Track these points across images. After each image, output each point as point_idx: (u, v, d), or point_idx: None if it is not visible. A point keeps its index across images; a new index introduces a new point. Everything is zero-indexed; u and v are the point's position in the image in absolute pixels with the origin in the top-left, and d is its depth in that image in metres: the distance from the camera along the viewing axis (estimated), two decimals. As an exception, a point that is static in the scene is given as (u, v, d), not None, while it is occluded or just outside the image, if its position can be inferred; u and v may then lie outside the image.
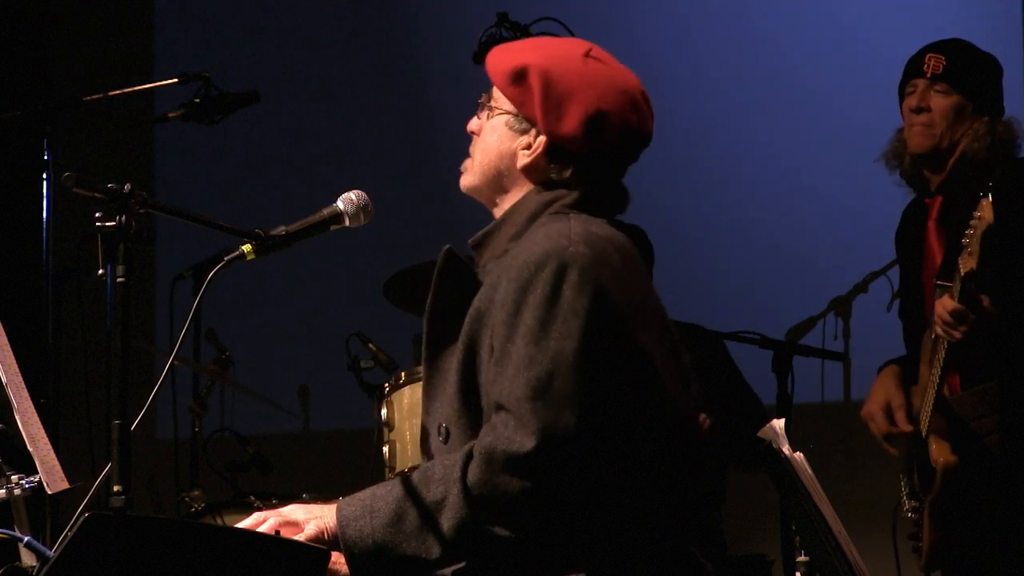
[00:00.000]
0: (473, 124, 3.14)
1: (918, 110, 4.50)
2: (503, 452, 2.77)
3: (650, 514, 2.88)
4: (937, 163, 4.51)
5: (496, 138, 3.06)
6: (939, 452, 4.35)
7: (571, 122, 2.99)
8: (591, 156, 3.01)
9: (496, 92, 3.09)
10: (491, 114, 3.09)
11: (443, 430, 2.95)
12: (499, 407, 2.82)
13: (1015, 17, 6.08)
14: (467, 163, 3.13)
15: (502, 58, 3.08)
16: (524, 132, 3.04)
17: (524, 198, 3.04)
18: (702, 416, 4.93)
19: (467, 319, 2.93)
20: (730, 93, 6.53)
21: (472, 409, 2.91)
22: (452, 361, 2.96)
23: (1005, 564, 4.30)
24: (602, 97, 3.00)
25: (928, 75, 4.49)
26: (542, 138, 3.01)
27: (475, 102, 3.16)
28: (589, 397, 2.79)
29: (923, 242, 4.56)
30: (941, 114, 4.48)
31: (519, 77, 3.02)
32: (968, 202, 4.18)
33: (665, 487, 2.89)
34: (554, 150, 3.01)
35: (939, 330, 4.25)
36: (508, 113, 3.06)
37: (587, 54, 3.06)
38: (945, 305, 4.21)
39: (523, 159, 3.03)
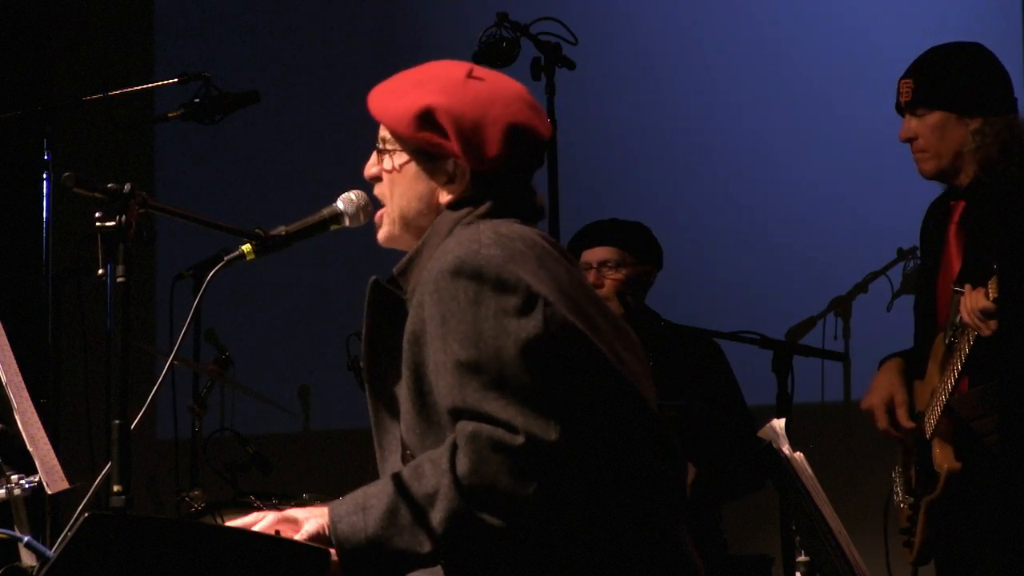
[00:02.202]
0: (373, 169, 3.08)
1: (907, 141, 4.50)
2: (488, 438, 2.76)
3: (634, 510, 2.86)
4: (953, 175, 4.49)
5: (409, 182, 3.03)
6: (943, 457, 4.33)
7: (492, 146, 2.96)
8: (510, 169, 3.00)
9: (387, 133, 3.04)
10: (393, 157, 3.03)
11: (409, 457, 2.93)
12: (460, 416, 2.80)
13: (1015, 17, 6.08)
14: (383, 214, 3.08)
15: (396, 104, 3.01)
16: (437, 169, 3.00)
17: (438, 220, 3.01)
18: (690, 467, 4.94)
19: (405, 345, 2.91)
20: (730, 93, 6.53)
21: (435, 429, 2.89)
22: (400, 390, 2.94)
23: (1004, 564, 4.29)
24: (507, 111, 2.98)
25: (903, 104, 4.50)
26: (466, 169, 2.98)
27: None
28: (546, 387, 2.78)
29: (943, 246, 4.54)
30: (926, 138, 4.47)
31: (427, 120, 2.97)
32: (988, 207, 4.16)
33: (642, 477, 2.88)
34: (477, 175, 2.99)
35: (969, 321, 4.22)
36: (413, 154, 3.02)
37: (469, 75, 3.02)
38: (977, 300, 4.19)
39: (447, 195, 3.00)
